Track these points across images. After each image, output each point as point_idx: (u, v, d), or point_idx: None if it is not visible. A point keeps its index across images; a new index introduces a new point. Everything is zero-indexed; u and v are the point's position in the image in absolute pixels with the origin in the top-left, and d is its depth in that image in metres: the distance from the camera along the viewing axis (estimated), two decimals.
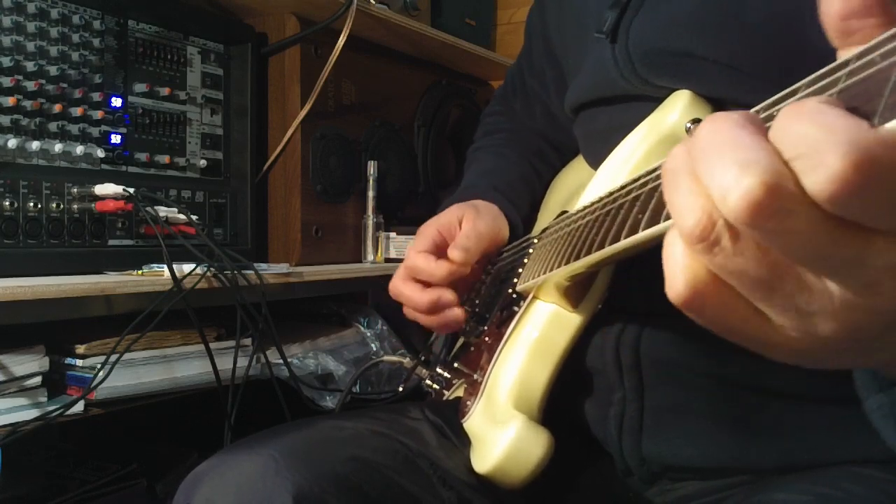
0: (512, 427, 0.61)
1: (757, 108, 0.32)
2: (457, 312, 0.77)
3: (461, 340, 0.83)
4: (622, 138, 0.64)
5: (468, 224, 0.81)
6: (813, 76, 0.29)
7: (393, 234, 1.29)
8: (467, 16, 1.64)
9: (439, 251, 0.80)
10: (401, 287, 0.80)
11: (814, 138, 0.24)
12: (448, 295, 0.77)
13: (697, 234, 0.28)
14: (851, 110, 0.25)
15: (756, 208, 0.25)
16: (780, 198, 0.25)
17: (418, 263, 0.79)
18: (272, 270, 1.04)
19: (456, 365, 0.79)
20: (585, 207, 0.57)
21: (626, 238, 0.42)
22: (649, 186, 0.42)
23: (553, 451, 0.60)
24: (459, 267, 0.77)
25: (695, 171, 0.28)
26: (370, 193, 1.28)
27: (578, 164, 0.89)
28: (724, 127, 0.27)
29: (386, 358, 0.95)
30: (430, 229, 0.82)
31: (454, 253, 0.77)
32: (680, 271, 0.30)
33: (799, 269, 0.28)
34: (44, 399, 0.86)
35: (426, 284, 0.79)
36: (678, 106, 0.60)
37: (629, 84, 0.65)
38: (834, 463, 0.59)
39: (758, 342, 0.31)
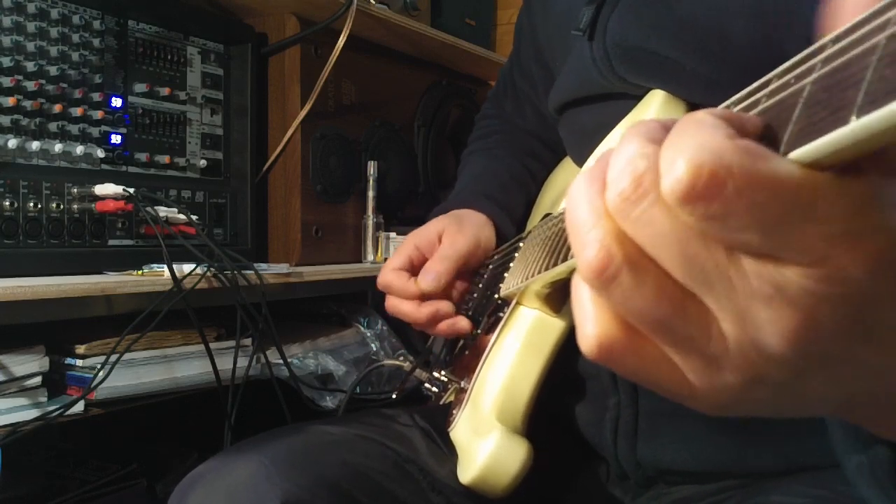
0: (490, 439, 0.62)
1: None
2: (460, 320, 0.78)
3: (461, 343, 0.83)
4: (604, 138, 0.64)
5: (447, 240, 0.82)
6: (740, 94, 0.28)
7: (393, 234, 1.29)
8: (467, 16, 1.64)
9: (414, 268, 0.82)
10: (396, 304, 0.82)
11: (680, 142, 0.24)
12: (445, 307, 0.79)
13: (595, 267, 0.27)
14: (769, 132, 0.25)
15: (623, 197, 0.26)
16: (643, 190, 0.25)
17: (391, 281, 0.81)
18: (272, 270, 1.04)
19: (444, 372, 0.79)
20: (561, 213, 0.56)
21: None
22: None
23: (531, 462, 0.61)
24: (430, 292, 0.79)
25: (599, 182, 0.28)
26: (370, 193, 1.28)
27: (569, 164, 0.89)
28: (634, 132, 0.27)
29: (387, 362, 0.96)
30: (407, 245, 0.83)
31: (422, 278, 0.79)
32: (589, 321, 0.29)
33: (690, 303, 0.27)
34: (44, 399, 0.86)
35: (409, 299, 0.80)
36: (653, 106, 0.60)
37: (607, 82, 0.65)
38: (829, 465, 0.59)
39: (678, 394, 0.29)
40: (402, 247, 0.84)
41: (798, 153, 0.23)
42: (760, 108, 0.26)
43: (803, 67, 0.24)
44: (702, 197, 0.24)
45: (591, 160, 0.64)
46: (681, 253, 0.25)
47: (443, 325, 0.79)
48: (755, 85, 0.28)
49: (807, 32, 0.45)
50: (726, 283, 0.25)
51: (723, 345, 0.27)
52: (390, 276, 0.81)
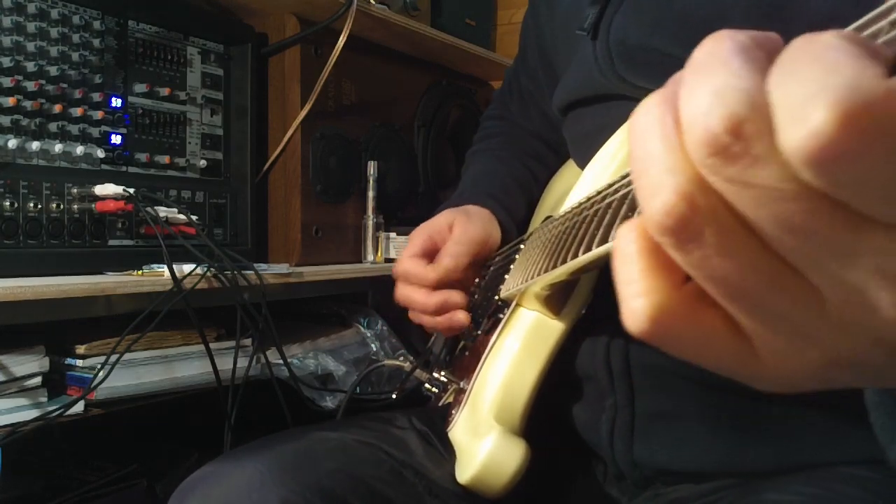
0: (488, 439, 0.62)
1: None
2: (461, 315, 0.78)
3: (461, 344, 0.83)
4: (606, 140, 0.64)
5: (459, 229, 0.82)
6: (852, 26, 0.21)
7: (393, 235, 1.29)
8: (467, 16, 1.64)
9: (430, 256, 0.82)
10: (407, 292, 0.81)
11: (812, 76, 0.18)
12: (456, 296, 0.79)
13: (674, 217, 0.21)
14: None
15: (714, 148, 0.20)
16: (746, 142, 0.19)
17: (409, 268, 0.80)
18: (272, 270, 1.04)
19: (444, 373, 0.79)
20: (564, 214, 0.56)
21: (597, 248, 0.39)
22: (621, 193, 0.39)
23: (529, 462, 0.62)
24: (450, 272, 0.78)
25: (674, 111, 0.22)
26: (370, 193, 1.28)
27: (571, 167, 0.89)
28: (722, 48, 0.21)
29: (387, 362, 0.96)
30: (420, 234, 0.83)
31: (445, 260, 0.79)
32: (637, 293, 0.24)
33: (790, 275, 0.22)
34: (44, 399, 0.86)
35: (425, 287, 0.80)
36: None
37: (609, 82, 0.65)
38: (825, 464, 0.59)
39: (738, 372, 0.25)
40: (414, 237, 0.84)
41: None
42: (884, 38, 0.20)
43: None
44: (847, 156, 0.18)
45: (591, 165, 0.64)
46: (793, 223, 0.20)
47: (444, 318, 0.78)
48: (868, 17, 0.21)
49: (806, 23, 0.44)
50: (846, 260, 0.20)
51: (822, 324, 0.22)
52: (407, 262, 0.81)
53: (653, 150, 0.22)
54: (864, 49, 0.18)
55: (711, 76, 0.20)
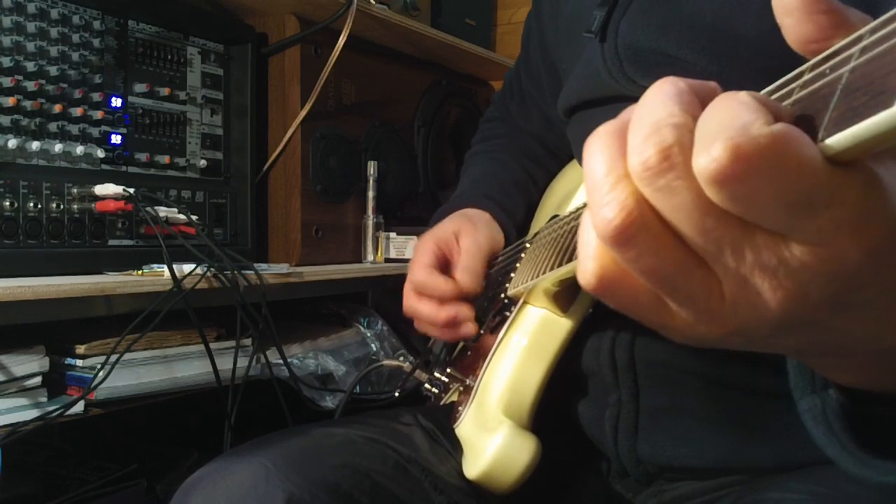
0: (499, 434, 0.62)
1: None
2: (470, 327, 0.76)
3: (461, 344, 0.83)
4: None
5: (468, 240, 0.81)
6: (771, 86, 0.29)
7: (393, 234, 1.29)
8: (467, 16, 1.64)
9: (441, 265, 0.81)
10: (416, 305, 0.79)
11: (719, 121, 0.25)
12: (465, 311, 0.76)
13: (614, 227, 0.28)
14: (802, 121, 0.25)
15: (647, 167, 0.27)
16: (670, 163, 0.26)
17: (425, 280, 0.78)
18: (272, 270, 1.04)
19: (449, 370, 0.79)
20: (571, 213, 0.57)
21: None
22: None
23: (540, 456, 0.61)
24: (467, 288, 0.77)
25: (621, 138, 0.29)
26: (370, 193, 1.28)
27: (574, 168, 0.89)
28: (665, 91, 0.28)
29: (386, 362, 0.96)
30: (428, 243, 0.81)
31: (463, 277, 0.77)
32: (590, 257, 0.31)
33: (697, 265, 0.28)
34: (44, 399, 0.86)
35: (438, 299, 0.78)
36: None
37: (617, 83, 0.65)
38: (827, 462, 0.59)
39: (660, 328, 0.32)
40: (423, 246, 0.81)
41: (838, 138, 0.24)
42: (794, 97, 0.27)
43: (839, 58, 0.25)
44: (735, 180, 0.24)
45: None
46: (700, 224, 0.27)
47: (453, 330, 0.77)
48: (786, 77, 0.28)
49: None
50: (737, 254, 0.27)
51: (719, 303, 0.29)
52: (423, 274, 0.78)
53: (599, 172, 0.29)
54: (765, 105, 0.25)
55: (654, 113, 0.27)
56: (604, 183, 0.28)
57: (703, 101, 0.27)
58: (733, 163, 0.24)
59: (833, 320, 0.30)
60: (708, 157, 0.25)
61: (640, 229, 0.28)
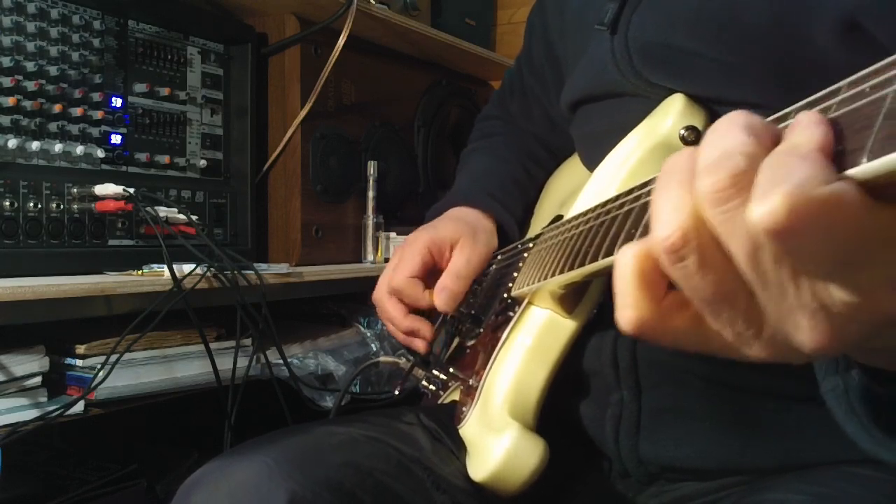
0: (507, 436, 0.61)
1: (775, 116, 0.33)
2: (421, 345, 0.82)
3: (456, 341, 0.83)
4: (617, 140, 0.64)
5: (461, 257, 0.81)
6: (804, 102, 0.30)
7: (393, 234, 1.29)
8: (467, 16, 1.64)
9: (427, 270, 0.81)
10: (385, 303, 0.83)
11: (781, 171, 0.26)
12: (426, 330, 0.81)
13: (669, 245, 0.30)
14: (842, 139, 0.26)
15: (717, 189, 0.28)
16: (738, 189, 0.27)
17: (403, 288, 0.81)
18: (272, 270, 1.04)
19: (451, 370, 0.79)
20: (579, 216, 0.56)
21: (602, 259, 0.44)
22: (642, 201, 0.42)
23: (548, 458, 0.61)
24: (443, 310, 0.80)
25: (690, 176, 0.30)
26: (370, 193, 1.28)
27: (572, 166, 0.88)
28: (734, 122, 0.29)
29: (382, 359, 0.95)
30: (420, 246, 0.81)
31: (440, 298, 0.79)
32: (628, 305, 0.33)
33: (743, 292, 0.30)
34: (44, 399, 0.86)
35: (408, 307, 0.82)
36: (672, 112, 0.60)
37: (625, 79, 0.65)
38: (830, 462, 0.59)
39: (692, 350, 0.34)
40: (414, 249, 0.81)
41: (884, 161, 0.24)
42: (833, 115, 0.27)
43: (881, 78, 0.25)
44: (787, 235, 0.26)
45: (603, 166, 0.65)
46: (752, 256, 0.28)
47: (407, 340, 0.82)
48: (823, 93, 0.29)
49: (828, 12, 0.47)
50: (783, 291, 0.29)
51: (758, 331, 0.31)
52: (403, 282, 0.80)
53: (669, 190, 0.30)
54: (827, 159, 0.26)
55: (727, 140, 0.28)
56: (669, 200, 0.30)
57: (773, 136, 0.29)
58: (788, 216, 0.25)
59: (866, 345, 0.32)
60: (763, 208, 0.26)
61: (694, 251, 0.30)
